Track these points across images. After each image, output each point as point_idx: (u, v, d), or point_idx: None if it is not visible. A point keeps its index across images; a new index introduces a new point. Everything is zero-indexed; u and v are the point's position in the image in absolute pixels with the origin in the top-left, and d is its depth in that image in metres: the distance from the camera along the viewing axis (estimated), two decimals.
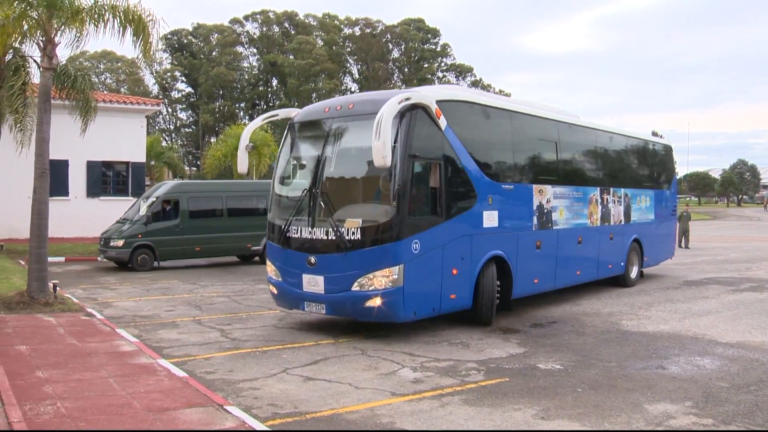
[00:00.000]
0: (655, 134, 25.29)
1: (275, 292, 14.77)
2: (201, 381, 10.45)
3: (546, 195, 17.43)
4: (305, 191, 13.91)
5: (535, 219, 16.92)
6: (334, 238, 13.24)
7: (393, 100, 12.64)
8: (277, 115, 16.73)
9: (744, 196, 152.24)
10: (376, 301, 12.90)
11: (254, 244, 27.78)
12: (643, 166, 23.79)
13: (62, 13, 16.76)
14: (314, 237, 13.54)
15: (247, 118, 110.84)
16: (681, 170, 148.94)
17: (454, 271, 14.01)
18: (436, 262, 13.61)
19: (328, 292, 13.38)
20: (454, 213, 14.10)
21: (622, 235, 21.49)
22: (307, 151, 14.75)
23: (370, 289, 12.95)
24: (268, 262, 15.03)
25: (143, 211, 26.30)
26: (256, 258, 28.44)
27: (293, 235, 13.95)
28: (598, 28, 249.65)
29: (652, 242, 23.59)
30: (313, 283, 13.55)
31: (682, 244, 39.02)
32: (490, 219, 15.15)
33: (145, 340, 13.37)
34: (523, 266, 16.24)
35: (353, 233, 13.07)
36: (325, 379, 10.69)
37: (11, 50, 22.09)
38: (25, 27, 17.09)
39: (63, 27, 17.02)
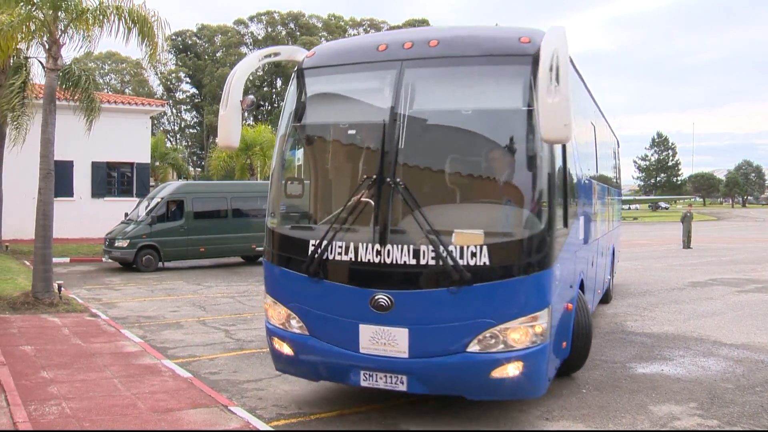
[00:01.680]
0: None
1: (289, 352, 8.88)
2: (205, 381, 10.47)
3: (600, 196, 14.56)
4: (366, 182, 8.20)
5: (594, 226, 13.22)
6: (432, 262, 7.85)
7: (557, 32, 7.56)
8: (278, 53, 9.80)
9: (749, 197, 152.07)
10: (512, 370, 7.97)
11: (259, 244, 27.64)
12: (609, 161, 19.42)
13: (67, 15, 16.80)
14: (387, 261, 7.99)
15: (251, 118, 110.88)
16: (686, 171, 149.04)
17: (569, 307, 9.73)
18: (561, 297, 9.14)
19: (417, 355, 8.02)
20: (571, 222, 9.56)
21: (611, 242, 18.50)
22: (352, 114, 9.28)
23: (502, 349, 7.93)
24: (268, 300, 9.12)
25: (144, 211, 26.35)
26: (261, 258, 28.37)
27: (339, 258, 8.26)
28: (605, 28, 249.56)
29: (618, 249, 20.97)
30: (385, 340, 8.09)
31: (685, 245, 39.66)
32: (582, 229, 11.19)
33: (150, 340, 13.38)
34: (589, 287, 12.61)
35: (472, 255, 7.81)
36: None
37: (15, 50, 22.15)
38: (32, 28, 17.12)
39: (68, 28, 17.06)
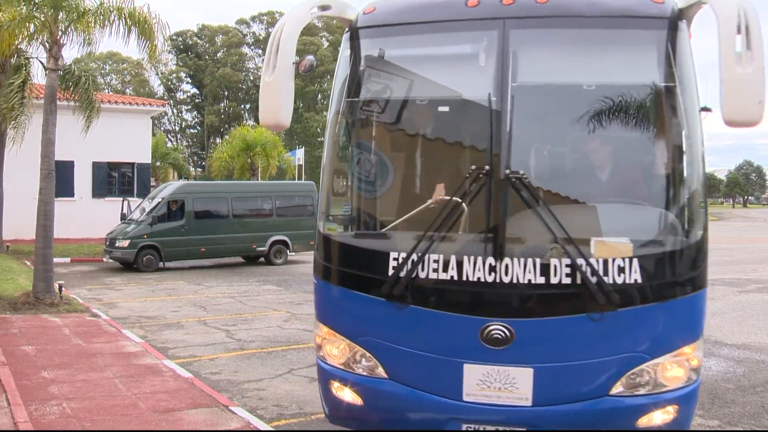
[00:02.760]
0: None
1: (355, 401, 6.70)
2: (206, 382, 10.47)
3: None
4: (476, 175, 6.10)
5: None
6: (567, 281, 5.97)
7: None
8: (329, 6, 7.32)
9: (750, 197, 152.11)
10: (661, 415, 6.24)
11: (259, 244, 27.77)
12: None
13: (68, 15, 16.81)
14: (504, 279, 6.04)
15: (252, 119, 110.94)
16: None
17: None
18: None
19: (544, 402, 6.15)
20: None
21: None
22: (434, 87, 7.18)
23: (651, 391, 6.19)
24: (322, 331, 6.87)
25: (142, 212, 26.41)
26: (261, 259, 28.43)
27: (435, 276, 6.17)
28: None
29: None
30: (500, 384, 6.12)
31: None
32: None
33: (151, 340, 13.38)
34: None
35: (619, 271, 6.01)
36: None
37: (16, 51, 22.16)
38: (32, 29, 17.13)
39: (69, 29, 17.07)
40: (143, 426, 8.37)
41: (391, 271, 6.12)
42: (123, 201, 28.93)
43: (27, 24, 16.77)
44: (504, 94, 6.20)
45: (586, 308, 5.93)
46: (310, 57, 7.08)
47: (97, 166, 34.09)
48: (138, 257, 25.31)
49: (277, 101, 6.65)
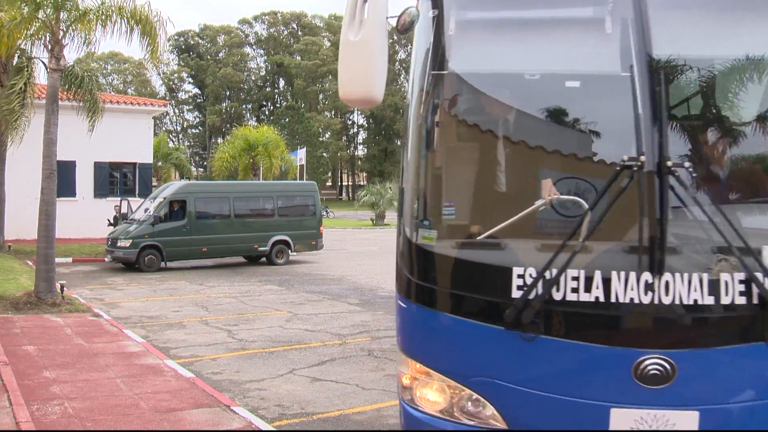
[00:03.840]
0: None
1: None
2: (208, 381, 10.46)
3: None
4: (625, 168, 4.72)
5: None
6: (741, 301, 4.69)
7: None
8: None
9: None
10: None
11: (261, 245, 27.74)
12: None
13: (70, 15, 16.82)
14: (664, 300, 4.66)
15: (254, 119, 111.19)
16: None
17: None
18: None
19: None
20: None
21: None
22: (548, 58, 5.52)
23: None
24: (411, 368, 5.36)
25: (150, 211, 26.37)
26: (263, 259, 28.41)
27: (574, 298, 4.78)
28: None
29: None
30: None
31: None
32: None
33: (152, 340, 13.37)
34: None
35: None
36: (332, 379, 10.68)
37: (18, 51, 22.17)
38: (33, 29, 17.14)
39: (70, 28, 17.07)
40: (145, 426, 8.36)
41: (515, 292, 4.75)
42: (121, 201, 28.97)
43: (28, 24, 16.76)
44: (649, 68, 4.95)
45: (767, 335, 4.69)
46: (412, 9, 5.39)
47: (98, 166, 34.06)
48: (140, 257, 25.26)
49: (367, 67, 5.07)
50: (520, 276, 4.76)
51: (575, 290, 4.70)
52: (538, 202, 4.96)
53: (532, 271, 4.73)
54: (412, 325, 5.41)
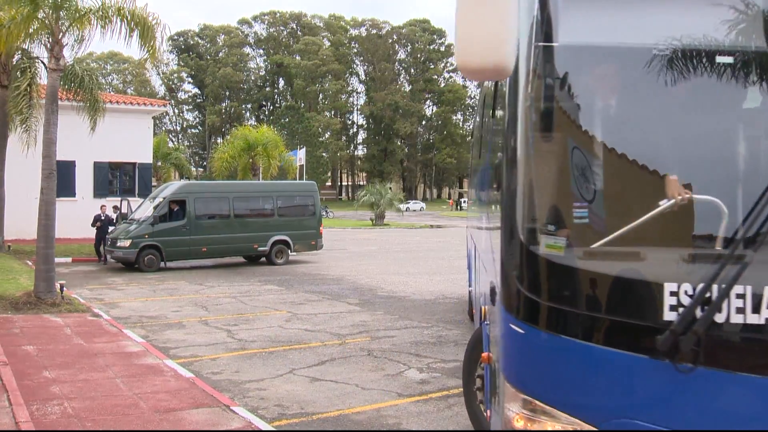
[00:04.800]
0: None
1: None
2: (207, 381, 10.46)
3: None
4: None
5: None
6: None
7: None
8: None
9: None
10: None
11: (261, 244, 27.74)
12: None
13: (69, 15, 16.83)
14: None
15: (253, 119, 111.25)
16: None
17: None
18: None
19: None
20: None
21: None
22: (684, 30, 4.35)
23: None
24: (528, 403, 4.29)
25: (150, 211, 26.37)
26: (263, 259, 28.41)
27: (742, 320, 3.90)
28: None
29: None
30: None
31: None
32: None
33: (152, 340, 13.37)
34: None
35: None
36: (332, 379, 10.68)
37: (19, 51, 22.19)
38: (32, 28, 17.14)
39: (70, 28, 17.08)
40: (145, 426, 8.37)
41: (668, 314, 3.93)
42: (121, 201, 28.99)
43: (27, 23, 16.76)
44: None
45: None
46: None
47: (98, 166, 34.07)
48: (139, 257, 25.27)
49: (495, 27, 3.82)
50: (674, 293, 3.93)
51: (741, 310, 3.88)
52: (665, 203, 4.10)
53: (687, 288, 3.92)
54: (532, 354, 4.35)
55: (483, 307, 6.87)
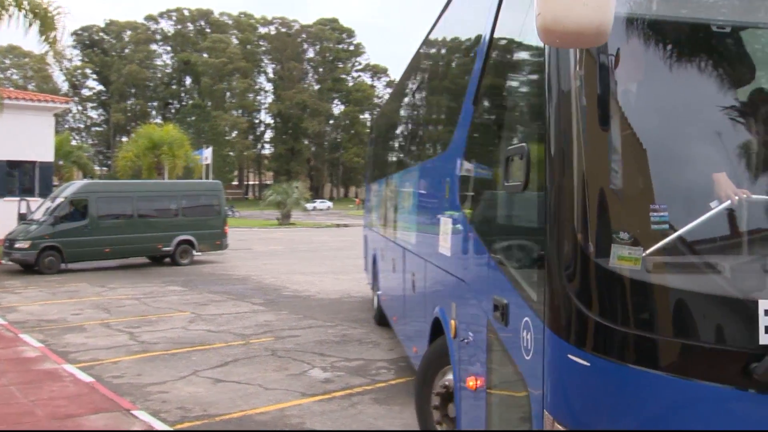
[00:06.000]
0: None
1: None
2: (108, 386, 10.27)
3: None
4: None
5: None
6: None
7: None
8: None
9: None
10: None
11: (165, 244, 27.37)
12: None
13: None
14: None
15: (159, 117, 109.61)
16: None
17: None
18: None
19: None
20: None
21: None
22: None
23: None
24: None
25: (51, 212, 25.70)
26: (167, 259, 28.02)
27: None
28: None
29: None
30: None
31: None
32: None
33: (51, 345, 13.06)
34: None
35: None
36: (235, 380, 10.62)
37: None
38: None
39: None
40: None
41: (764, 337, 3.29)
42: (20, 201, 28.17)
43: None
44: None
45: None
46: None
47: None
48: (39, 259, 24.63)
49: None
50: None
51: None
52: (718, 204, 3.51)
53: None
54: (599, 389, 3.51)
55: (453, 321, 6.08)
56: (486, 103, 5.53)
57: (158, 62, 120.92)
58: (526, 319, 4.00)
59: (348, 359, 12.06)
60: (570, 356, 3.51)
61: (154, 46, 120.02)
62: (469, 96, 5.70)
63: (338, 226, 57.80)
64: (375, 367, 11.52)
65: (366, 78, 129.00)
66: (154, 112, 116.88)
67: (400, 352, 12.52)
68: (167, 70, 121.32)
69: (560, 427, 3.59)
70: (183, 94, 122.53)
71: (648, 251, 3.40)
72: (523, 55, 4.50)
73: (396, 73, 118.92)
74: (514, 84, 4.77)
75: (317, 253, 32.97)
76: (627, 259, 3.37)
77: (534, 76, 4.24)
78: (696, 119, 3.88)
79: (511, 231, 4.62)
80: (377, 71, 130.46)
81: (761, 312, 3.26)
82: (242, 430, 8.56)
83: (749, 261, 3.59)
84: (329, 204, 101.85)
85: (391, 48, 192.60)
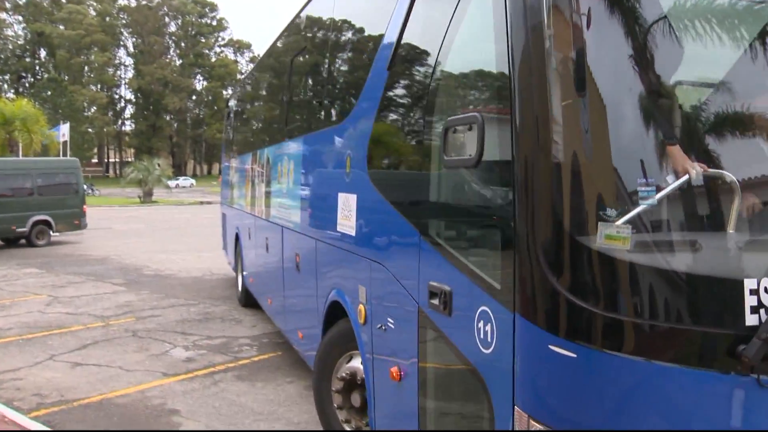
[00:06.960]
0: None
1: None
2: None
3: None
4: None
5: None
6: None
7: None
8: None
9: None
10: None
11: (19, 225, 26.35)
12: None
13: None
14: None
15: (12, 91, 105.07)
16: None
17: None
18: None
19: None
20: None
21: None
22: None
23: None
24: None
25: None
26: (23, 241, 27.02)
27: None
28: None
29: None
30: None
31: None
32: None
33: None
34: None
35: None
36: (94, 363, 10.44)
37: None
38: None
39: None
40: None
41: (750, 317, 3.13)
42: None
43: None
44: None
45: None
46: None
47: None
48: None
49: None
50: (754, 292, 3.14)
51: None
52: (684, 177, 3.29)
53: (766, 283, 3.16)
54: (586, 382, 3.24)
55: (361, 306, 5.78)
56: (406, 70, 5.10)
57: (9, 33, 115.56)
58: (484, 308, 3.67)
59: (210, 337, 12.03)
60: (552, 347, 3.22)
61: (3, 16, 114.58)
62: (380, 59, 5.35)
63: (201, 203, 57.16)
64: (237, 344, 11.54)
65: (229, 53, 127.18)
66: (5, 86, 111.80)
67: (263, 329, 12.59)
68: (19, 42, 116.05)
69: (539, 426, 3.29)
70: (38, 68, 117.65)
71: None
72: (468, 7, 4.03)
73: (260, 49, 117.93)
74: (454, 46, 4.21)
75: (179, 231, 32.57)
76: (615, 238, 3.11)
77: (484, 36, 3.78)
78: (679, 79, 3.61)
79: (455, 212, 4.24)
80: (241, 46, 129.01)
81: (746, 292, 3.12)
82: (102, 414, 8.45)
83: (716, 238, 3.43)
84: (192, 181, 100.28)
85: (256, 23, 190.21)
